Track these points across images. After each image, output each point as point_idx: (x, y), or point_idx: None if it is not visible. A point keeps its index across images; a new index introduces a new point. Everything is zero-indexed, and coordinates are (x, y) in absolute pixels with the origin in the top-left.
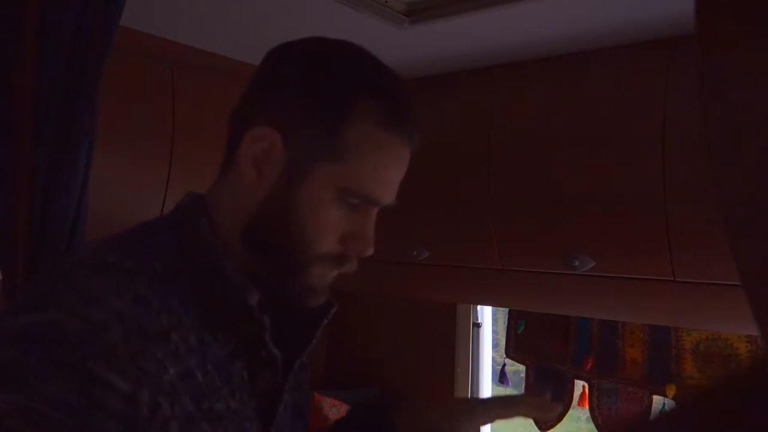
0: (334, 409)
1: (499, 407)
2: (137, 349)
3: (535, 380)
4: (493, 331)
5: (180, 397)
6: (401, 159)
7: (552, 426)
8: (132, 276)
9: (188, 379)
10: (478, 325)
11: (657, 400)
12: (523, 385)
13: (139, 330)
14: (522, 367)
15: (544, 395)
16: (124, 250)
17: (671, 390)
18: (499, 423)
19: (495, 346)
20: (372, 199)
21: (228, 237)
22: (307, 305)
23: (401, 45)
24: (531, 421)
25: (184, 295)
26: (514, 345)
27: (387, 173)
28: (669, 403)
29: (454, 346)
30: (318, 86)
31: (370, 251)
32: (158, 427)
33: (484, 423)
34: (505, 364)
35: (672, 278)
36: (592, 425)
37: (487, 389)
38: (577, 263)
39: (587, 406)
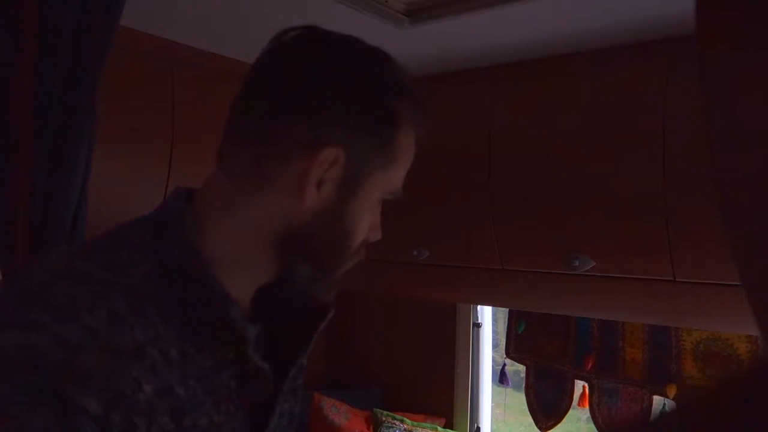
0: (334, 409)
1: None
2: (111, 369)
3: (535, 380)
4: (493, 331)
5: (157, 415)
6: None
7: (552, 426)
8: (107, 288)
9: (167, 396)
10: (478, 325)
11: (657, 400)
12: (523, 385)
13: (113, 348)
14: (522, 367)
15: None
16: (100, 257)
17: (671, 390)
18: (500, 423)
19: (495, 346)
20: (398, 195)
21: (236, 248)
22: (326, 299)
23: (401, 45)
24: (531, 420)
25: (164, 305)
26: (514, 345)
27: (407, 170)
28: (669, 403)
29: (454, 346)
30: (367, 97)
31: (380, 236)
32: None
33: None
34: (505, 364)
35: (672, 278)
36: (592, 425)
37: (487, 389)
38: (577, 263)
39: (587, 406)
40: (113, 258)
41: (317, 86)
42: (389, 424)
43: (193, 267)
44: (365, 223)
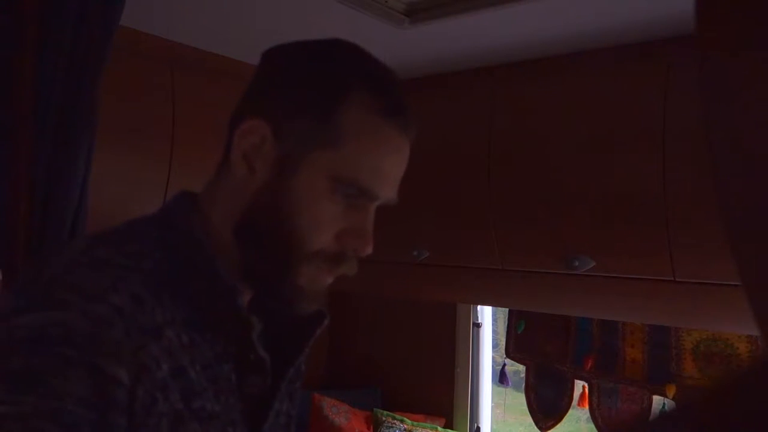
0: (334, 409)
1: None
2: (137, 345)
3: (535, 380)
4: (493, 331)
5: (170, 394)
6: (399, 151)
7: (552, 426)
8: (126, 273)
9: (180, 377)
10: (478, 325)
11: (657, 400)
12: (523, 385)
13: (137, 326)
14: (522, 367)
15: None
16: (116, 246)
17: (671, 390)
18: (500, 423)
19: (495, 346)
20: (369, 190)
21: (221, 235)
22: (297, 309)
23: (401, 45)
24: (531, 420)
25: (175, 294)
26: (514, 345)
27: (384, 163)
28: (669, 403)
29: (454, 346)
30: (309, 76)
31: (369, 249)
32: (153, 423)
33: None
34: (505, 364)
35: (672, 278)
36: (592, 425)
37: (487, 389)
38: (577, 263)
39: (587, 406)
40: (127, 247)
41: (269, 71)
42: (389, 424)
43: (199, 261)
44: (321, 215)
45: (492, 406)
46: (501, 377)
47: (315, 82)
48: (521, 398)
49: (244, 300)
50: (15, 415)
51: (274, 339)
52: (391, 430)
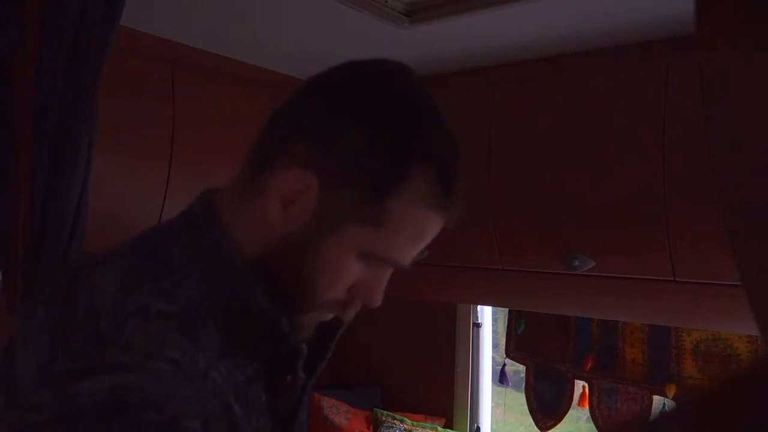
0: (334, 409)
1: None
2: (199, 393)
3: (535, 380)
4: (493, 331)
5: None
6: (436, 231)
7: (552, 426)
8: (166, 321)
9: (228, 412)
10: (478, 325)
11: (657, 400)
12: (523, 385)
13: (191, 375)
14: (522, 367)
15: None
16: (150, 284)
17: (671, 390)
18: (500, 423)
19: (495, 346)
20: (396, 264)
21: (246, 257)
22: (291, 340)
23: (401, 45)
24: (531, 421)
25: (208, 325)
26: (514, 345)
27: (419, 245)
28: (669, 403)
29: (454, 346)
30: (371, 146)
31: (378, 303)
32: None
33: None
34: (505, 364)
35: (672, 278)
36: (592, 425)
37: (487, 389)
38: (577, 263)
39: (587, 406)
40: (160, 285)
41: (330, 115)
42: (389, 424)
43: (238, 287)
44: (341, 276)
45: (492, 406)
46: (501, 377)
47: (375, 154)
48: (521, 398)
49: (287, 325)
50: None
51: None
52: (391, 430)
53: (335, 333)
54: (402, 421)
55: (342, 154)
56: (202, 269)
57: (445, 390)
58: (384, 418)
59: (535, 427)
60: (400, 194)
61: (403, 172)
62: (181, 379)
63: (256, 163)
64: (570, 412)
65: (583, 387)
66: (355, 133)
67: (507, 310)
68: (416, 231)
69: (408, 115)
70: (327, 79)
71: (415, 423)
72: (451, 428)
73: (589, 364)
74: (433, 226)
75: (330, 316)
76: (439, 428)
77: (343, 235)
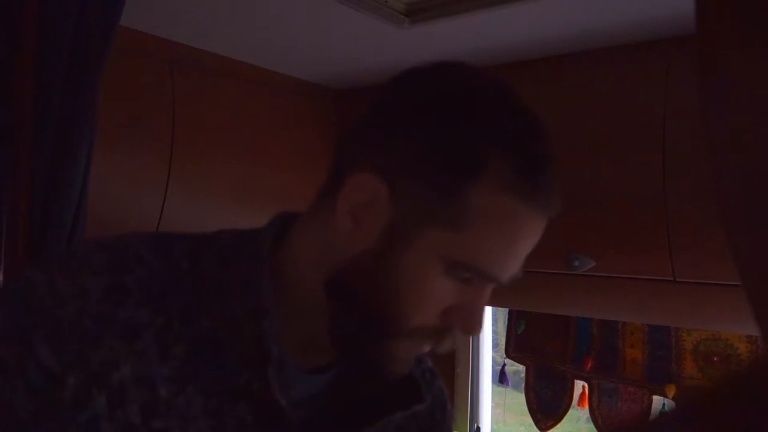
0: None
1: None
2: (84, 334)
3: (535, 380)
4: (493, 331)
5: (126, 402)
6: (534, 232)
7: (552, 426)
8: (132, 263)
9: (144, 388)
10: None
11: (657, 400)
12: (523, 385)
13: (97, 315)
14: (522, 367)
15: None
16: (157, 242)
17: (671, 390)
18: (500, 423)
19: (495, 346)
20: (491, 276)
21: (306, 273)
22: (385, 376)
23: (401, 45)
24: (531, 421)
25: (203, 303)
26: (514, 345)
27: (514, 249)
28: (669, 403)
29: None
30: (441, 134)
31: (478, 332)
32: (86, 421)
33: None
34: (505, 364)
35: (672, 278)
36: (592, 425)
37: (487, 389)
38: (577, 263)
39: (587, 406)
40: (173, 246)
41: (396, 111)
42: None
43: (251, 278)
44: (431, 295)
45: (492, 406)
46: (501, 377)
47: (446, 143)
48: (521, 398)
49: (272, 325)
50: None
51: (344, 404)
52: None
53: (403, 408)
54: None
55: (407, 152)
56: (231, 253)
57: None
58: None
59: (535, 427)
60: (478, 185)
61: (477, 159)
62: (72, 308)
63: (328, 183)
64: (570, 412)
65: (583, 387)
66: (418, 126)
67: (507, 310)
68: (505, 228)
69: (477, 98)
70: (386, 87)
71: None
72: None
73: (589, 364)
74: (525, 222)
75: (426, 347)
76: None
77: (423, 242)
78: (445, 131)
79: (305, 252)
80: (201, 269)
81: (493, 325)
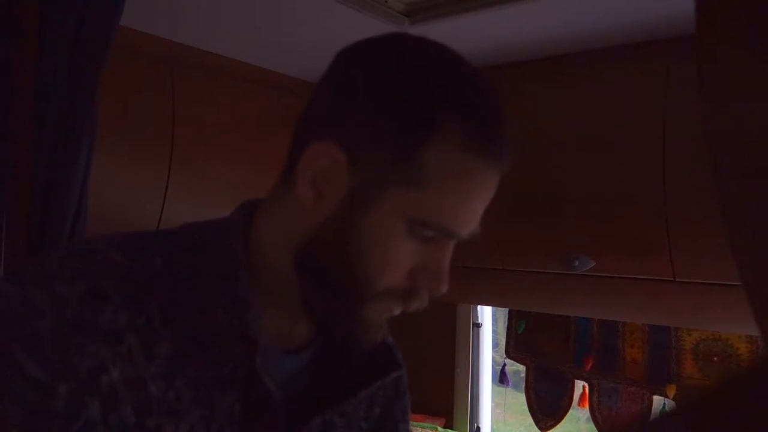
0: None
1: None
2: (67, 342)
3: (535, 380)
4: (493, 331)
5: (119, 404)
6: (488, 186)
7: (552, 426)
8: (105, 267)
9: (136, 388)
10: (478, 325)
11: (657, 400)
12: (523, 385)
13: (78, 323)
14: (522, 367)
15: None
16: (122, 241)
17: (671, 390)
18: (500, 423)
19: (495, 346)
20: (451, 232)
21: (270, 258)
22: (361, 343)
23: None
24: (531, 421)
25: (180, 300)
26: (514, 345)
27: (471, 203)
28: (669, 403)
29: (454, 346)
30: (393, 98)
31: (444, 289)
32: (80, 427)
33: None
34: (505, 364)
35: (672, 278)
36: (592, 425)
37: (487, 389)
38: (577, 263)
39: (587, 406)
40: (142, 245)
41: (346, 82)
42: None
43: (225, 263)
44: (395, 255)
45: (492, 406)
46: (501, 377)
47: (400, 106)
48: (521, 398)
49: (255, 315)
50: None
51: (324, 379)
52: None
53: (380, 376)
54: None
55: (360, 117)
56: (203, 246)
57: (445, 390)
58: None
59: (535, 427)
60: (431, 144)
61: (429, 118)
62: (48, 318)
63: (287, 163)
64: (570, 412)
65: (583, 387)
66: (368, 91)
67: (507, 310)
68: (460, 184)
69: (424, 62)
70: (333, 61)
71: (414, 423)
72: (451, 428)
73: (589, 364)
74: (479, 177)
75: (396, 310)
76: (439, 428)
77: (384, 204)
78: (395, 95)
79: (271, 234)
80: (174, 266)
81: (493, 325)
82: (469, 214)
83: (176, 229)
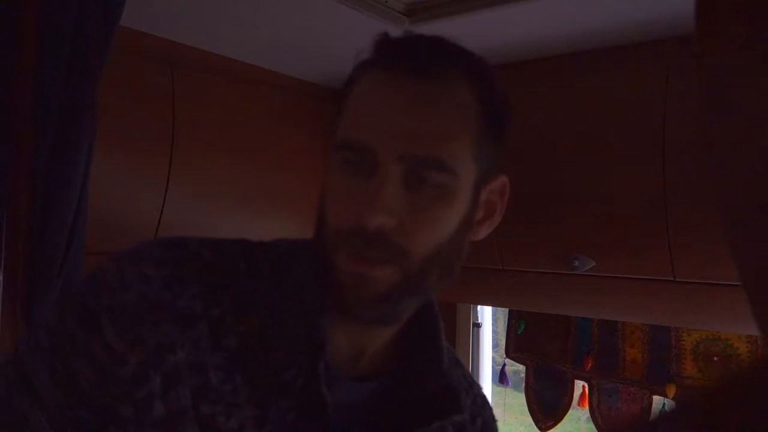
0: None
1: None
2: (143, 317)
3: (535, 380)
4: (493, 331)
5: (180, 385)
6: (402, 93)
7: (552, 426)
8: (190, 258)
9: (197, 374)
10: (478, 325)
11: (657, 400)
12: (523, 385)
13: (157, 301)
14: (522, 367)
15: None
16: (218, 243)
17: (671, 390)
18: (500, 423)
19: (495, 346)
20: (362, 143)
21: None
22: (351, 311)
23: None
24: (531, 421)
25: (255, 301)
26: (514, 345)
27: (381, 110)
28: (669, 403)
29: (454, 346)
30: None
31: (377, 218)
32: (142, 398)
33: None
34: (505, 364)
35: (672, 278)
36: (592, 425)
37: (487, 389)
38: (577, 263)
39: (587, 406)
40: (231, 246)
41: None
42: None
43: (304, 283)
44: (332, 189)
45: (492, 406)
46: (501, 377)
47: (349, 80)
48: (521, 398)
49: (324, 320)
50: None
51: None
52: None
53: (439, 417)
54: None
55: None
56: (294, 254)
57: None
58: None
59: (535, 427)
60: (354, 87)
61: (354, 73)
62: (133, 292)
63: None
64: (570, 412)
65: (583, 387)
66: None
67: (507, 310)
68: (367, 94)
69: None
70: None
71: None
72: None
73: (589, 364)
74: (385, 82)
75: (366, 269)
76: None
77: (331, 149)
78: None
79: None
80: (256, 270)
81: (493, 325)
82: (380, 122)
83: (266, 241)
